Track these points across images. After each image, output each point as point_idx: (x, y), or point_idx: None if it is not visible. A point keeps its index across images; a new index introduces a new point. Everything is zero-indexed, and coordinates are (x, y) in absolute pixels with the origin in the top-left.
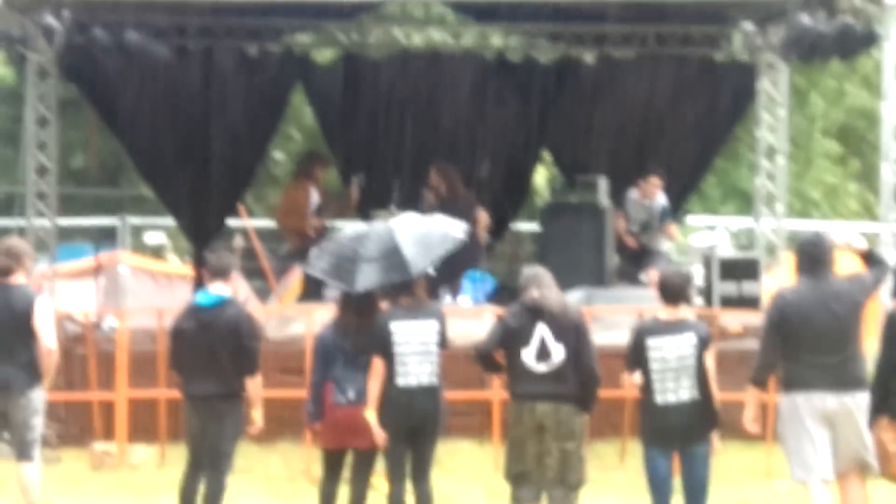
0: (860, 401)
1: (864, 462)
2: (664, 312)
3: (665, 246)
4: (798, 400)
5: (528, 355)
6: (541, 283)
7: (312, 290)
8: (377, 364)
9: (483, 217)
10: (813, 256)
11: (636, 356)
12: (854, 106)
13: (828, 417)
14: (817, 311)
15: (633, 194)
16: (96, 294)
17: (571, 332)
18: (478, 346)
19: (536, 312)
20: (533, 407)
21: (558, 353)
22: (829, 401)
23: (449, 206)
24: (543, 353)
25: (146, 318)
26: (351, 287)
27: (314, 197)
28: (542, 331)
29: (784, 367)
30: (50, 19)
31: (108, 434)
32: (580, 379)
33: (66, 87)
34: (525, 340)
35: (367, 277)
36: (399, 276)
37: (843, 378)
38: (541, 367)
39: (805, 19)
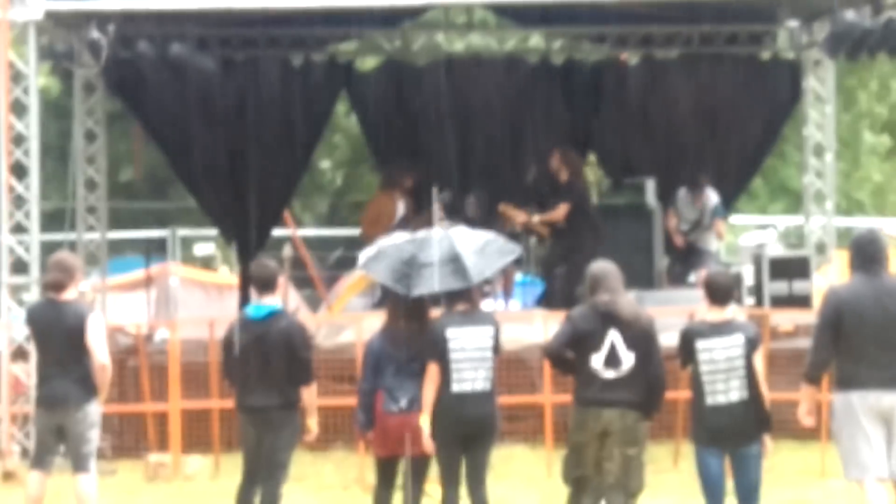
0: None
1: None
2: (712, 314)
3: (714, 246)
4: (853, 398)
5: (597, 361)
6: (610, 286)
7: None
8: (432, 370)
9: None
10: (867, 253)
11: (686, 358)
12: None
13: (883, 415)
14: (871, 309)
15: (683, 192)
16: (148, 306)
17: (642, 339)
18: (546, 346)
19: (608, 318)
20: (599, 413)
21: (628, 360)
22: (884, 399)
23: (568, 192)
24: (614, 360)
25: (197, 329)
26: (408, 291)
27: (400, 208)
28: (613, 337)
29: (838, 364)
30: (95, 34)
31: (163, 445)
32: (646, 386)
33: (112, 100)
34: (595, 345)
35: (427, 282)
36: (459, 283)
37: (892, 375)
38: (609, 374)
39: (850, 15)
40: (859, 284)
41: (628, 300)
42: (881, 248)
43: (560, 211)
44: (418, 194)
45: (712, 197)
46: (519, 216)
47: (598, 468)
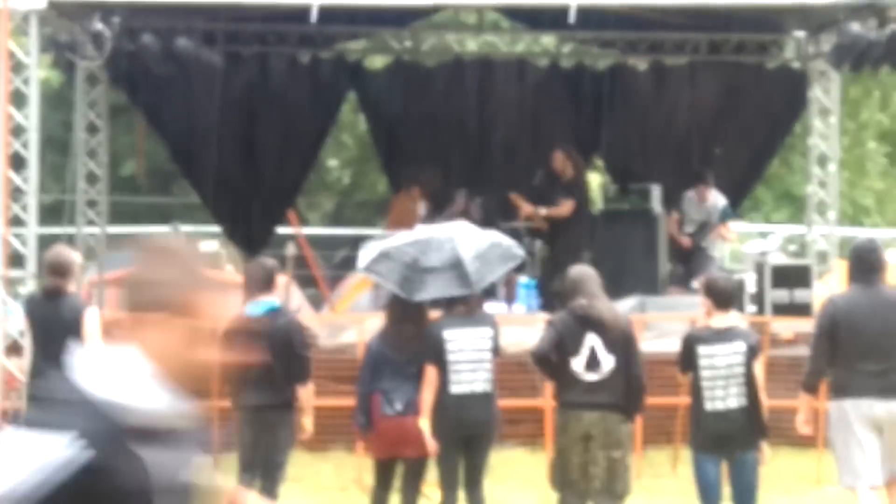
0: None
1: None
2: (714, 319)
3: (716, 252)
4: (846, 406)
5: (577, 364)
6: (588, 290)
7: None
8: (431, 372)
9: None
10: (865, 262)
11: (686, 364)
12: None
13: (876, 424)
14: (868, 318)
15: (691, 194)
16: None
17: (622, 342)
18: (533, 351)
19: (586, 322)
20: (580, 416)
21: (608, 362)
22: (877, 407)
23: (572, 189)
24: (593, 363)
25: None
26: (410, 296)
27: (422, 207)
28: (592, 340)
29: (833, 373)
30: (99, 25)
31: None
32: (627, 388)
33: (116, 93)
34: (575, 349)
35: (429, 288)
36: (461, 289)
37: (891, 385)
38: (590, 377)
39: (855, 27)
40: (856, 294)
41: (607, 304)
42: (879, 258)
43: (565, 207)
44: (437, 194)
45: (720, 199)
46: (526, 207)
47: (583, 472)
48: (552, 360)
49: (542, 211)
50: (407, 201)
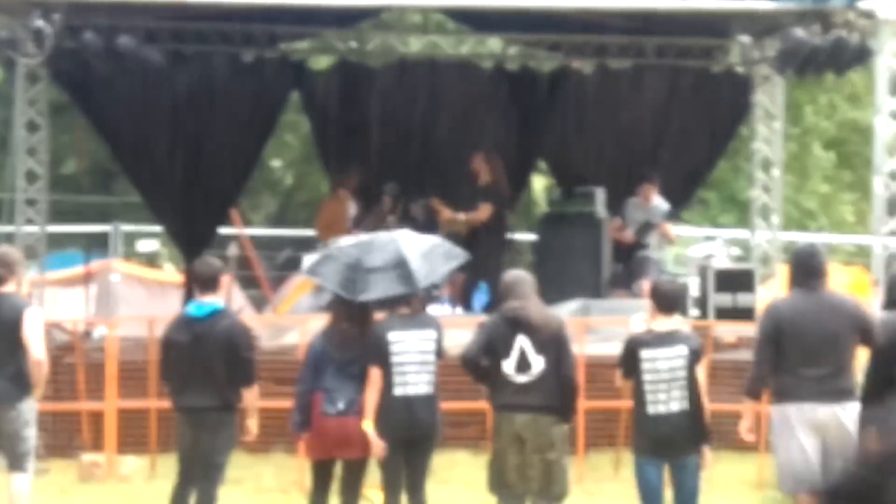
0: (851, 412)
1: None
2: (656, 323)
3: (659, 255)
4: (790, 411)
5: (508, 366)
6: (520, 293)
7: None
8: (374, 374)
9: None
10: (807, 267)
11: (629, 367)
12: (846, 120)
13: (819, 429)
14: (811, 323)
15: (635, 198)
16: (87, 302)
17: (552, 344)
18: (462, 355)
19: (516, 324)
20: (511, 418)
21: (538, 364)
22: (819, 412)
23: (488, 194)
24: (523, 365)
25: (137, 327)
26: (354, 296)
27: (351, 208)
28: (522, 342)
29: (776, 377)
30: (40, 22)
31: (97, 445)
32: (560, 390)
33: (57, 91)
34: (505, 351)
35: (372, 288)
36: (405, 288)
37: (833, 389)
38: (520, 378)
39: (799, 33)
40: (799, 299)
41: (538, 306)
42: (821, 262)
43: (483, 212)
44: (365, 193)
45: (663, 203)
46: (445, 212)
47: (519, 474)
48: (480, 364)
49: (461, 216)
50: (335, 204)
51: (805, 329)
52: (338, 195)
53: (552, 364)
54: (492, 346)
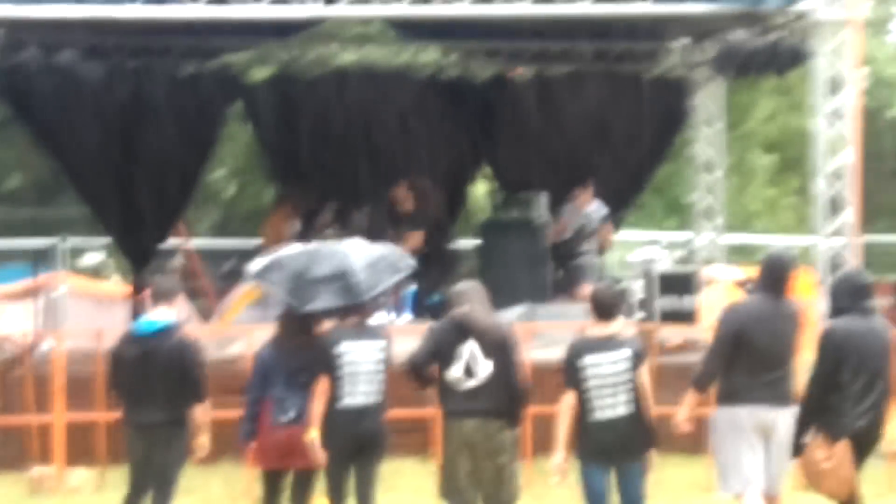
0: (790, 416)
1: (778, 483)
2: (597, 328)
3: (596, 260)
4: (742, 413)
5: (456, 371)
6: (467, 300)
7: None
8: (323, 384)
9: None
10: (775, 273)
11: (572, 374)
12: (787, 122)
13: (765, 431)
14: (767, 328)
15: (569, 205)
16: (34, 316)
17: (500, 348)
18: (409, 360)
19: (465, 329)
20: (461, 423)
21: (486, 369)
22: (770, 414)
23: (414, 221)
24: (471, 370)
25: (84, 340)
26: (301, 305)
27: (296, 225)
28: (470, 347)
29: (727, 378)
30: None
31: (46, 457)
32: (508, 394)
33: (0, 106)
34: (454, 357)
35: (317, 299)
36: (350, 299)
37: (783, 393)
38: (468, 384)
39: (738, 35)
40: (760, 303)
41: (485, 311)
42: (789, 271)
43: (413, 240)
44: (312, 210)
45: (601, 208)
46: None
47: (470, 480)
48: (426, 370)
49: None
50: (280, 220)
51: (764, 333)
52: (283, 211)
53: (500, 369)
54: (440, 352)
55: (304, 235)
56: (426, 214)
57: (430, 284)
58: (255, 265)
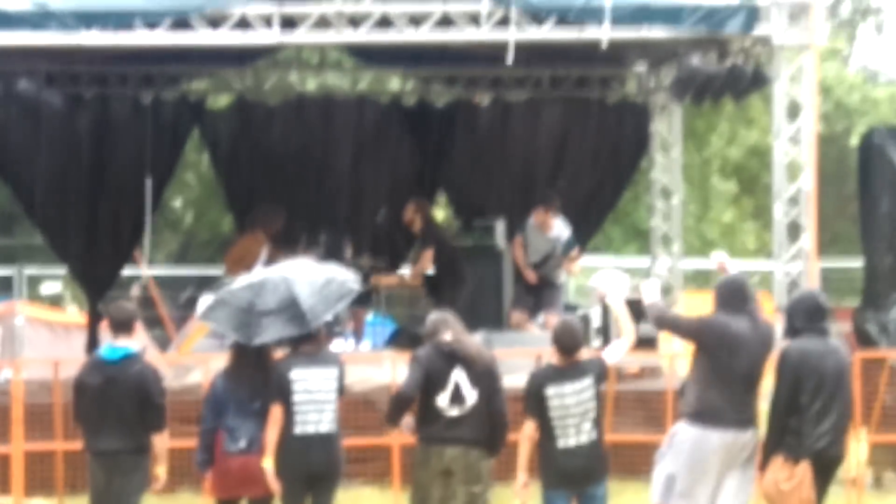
0: (754, 438)
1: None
2: (559, 359)
3: (562, 279)
4: (713, 437)
5: (442, 399)
6: (452, 328)
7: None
8: (276, 412)
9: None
10: (740, 294)
11: (534, 405)
12: (747, 146)
13: (732, 454)
14: (747, 349)
15: (533, 221)
16: None
17: (486, 377)
18: (400, 391)
19: (453, 357)
20: (442, 451)
21: (472, 397)
22: (740, 438)
23: (425, 239)
24: (458, 398)
25: (42, 369)
26: (249, 340)
27: (265, 251)
28: (458, 375)
29: (701, 395)
30: None
31: (5, 488)
32: (491, 423)
33: None
34: (441, 384)
35: (266, 331)
36: (298, 329)
37: (751, 416)
38: (453, 412)
39: (694, 60)
40: (741, 323)
41: (472, 339)
42: (749, 289)
43: (426, 259)
44: (279, 235)
45: (564, 230)
46: (391, 280)
47: None
48: (412, 402)
49: (408, 273)
50: (251, 244)
51: (743, 355)
52: (255, 236)
53: (484, 397)
54: (428, 380)
55: (272, 262)
56: (431, 230)
57: (443, 300)
58: (201, 304)
